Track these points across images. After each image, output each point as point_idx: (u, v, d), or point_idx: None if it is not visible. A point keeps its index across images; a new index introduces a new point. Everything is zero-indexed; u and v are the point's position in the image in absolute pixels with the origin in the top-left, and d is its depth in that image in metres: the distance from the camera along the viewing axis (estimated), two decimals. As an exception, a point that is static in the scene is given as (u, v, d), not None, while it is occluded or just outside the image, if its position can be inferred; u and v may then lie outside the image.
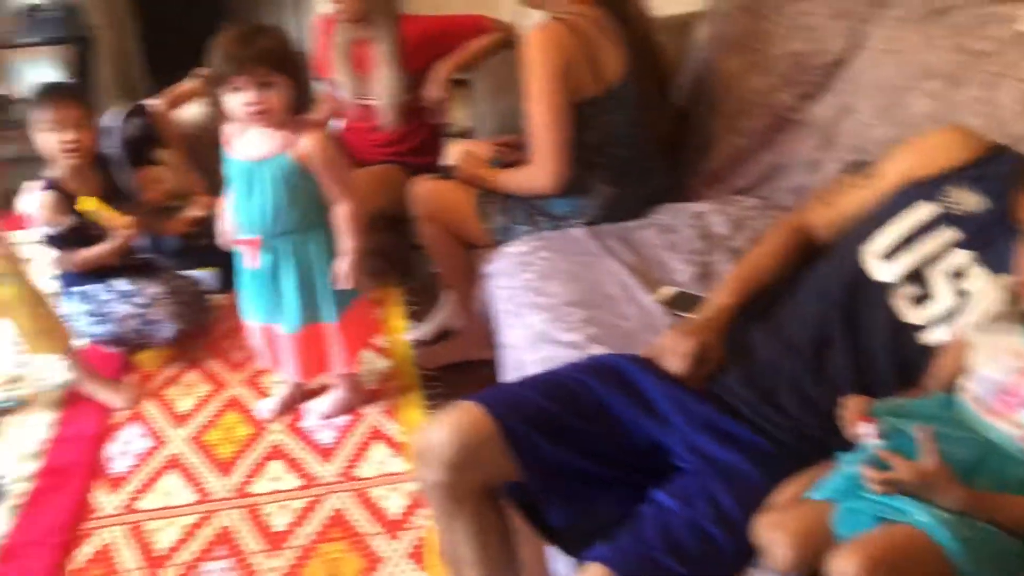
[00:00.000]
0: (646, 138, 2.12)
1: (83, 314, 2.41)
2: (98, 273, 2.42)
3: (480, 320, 2.29)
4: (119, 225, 2.34)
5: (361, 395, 2.31)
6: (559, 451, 1.32)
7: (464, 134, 2.81)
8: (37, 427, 2.27)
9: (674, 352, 1.37)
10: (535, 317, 1.75)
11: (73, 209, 2.33)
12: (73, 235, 2.36)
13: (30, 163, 2.54)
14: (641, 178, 2.12)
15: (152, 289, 2.43)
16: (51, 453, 2.17)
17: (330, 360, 2.15)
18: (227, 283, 2.69)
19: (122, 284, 2.43)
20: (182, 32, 3.14)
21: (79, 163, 2.31)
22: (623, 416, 1.35)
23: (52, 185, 2.32)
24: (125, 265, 2.45)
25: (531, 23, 2.06)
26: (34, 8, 3.78)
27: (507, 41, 2.69)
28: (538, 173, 2.03)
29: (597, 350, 1.58)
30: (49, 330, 2.27)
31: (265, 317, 2.12)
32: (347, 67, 2.63)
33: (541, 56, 1.95)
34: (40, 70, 4.02)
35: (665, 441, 1.33)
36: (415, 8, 2.71)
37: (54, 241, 2.35)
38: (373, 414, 2.28)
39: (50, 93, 2.34)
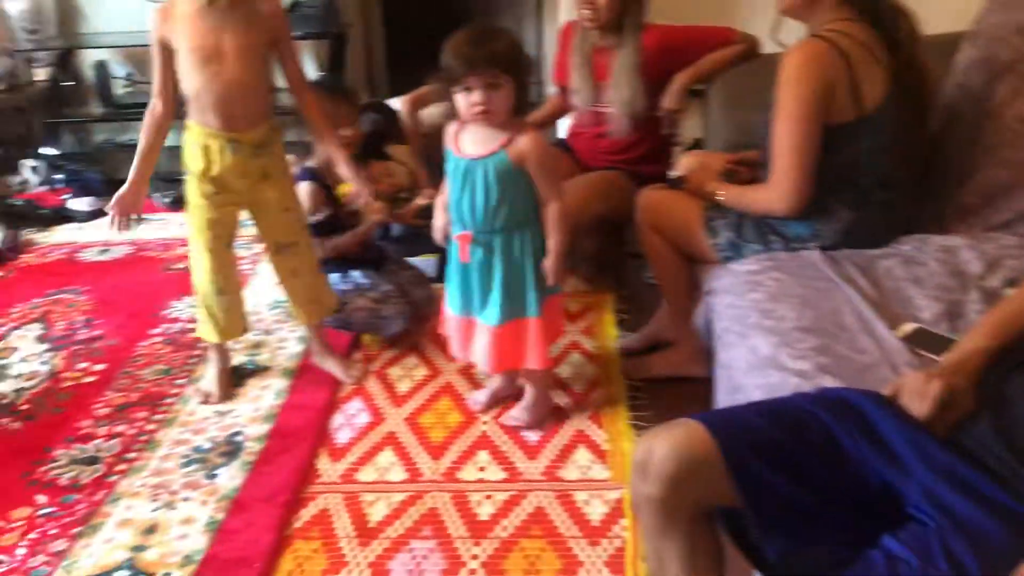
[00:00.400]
0: (896, 165, 2.00)
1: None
2: (338, 263, 2.59)
3: (695, 336, 2.25)
4: (372, 211, 2.51)
5: (550, 396, 2.33)
6: (783, 482, 1.27)
7: (695, 145, 2.78)
8: (272, 392, 2.46)
9: (919, 394, 1.29)
10: (761, 340, 1.70)
11: (329, 199, 2.51)
12: (327, 223, 2.54)
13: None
14: (886, 205, 2.00)
15: (385, 286, 2.59)
16: (282, 417, 2.34)
17: (525, 355, 2.19)
18: (444, 272, 2.81)
19: (358, 276, 2.59)
20: (422, 32, 3.31)
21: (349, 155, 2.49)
22: (855, 454, 1.28)
23: (311, 175, 2.50)
24: (362, 257, 2.62)
25: (789, 37, 2.00)
26: (296, 4, 4.08)
27: (749, 53, 2.63)
28: (777, 194, 1.97)
29: (828, 382, 1.51)
30: (318, 300, 2.46)
31: (466, 310, 2.19)
32: (586, 73, 2.66)
33: (800, 75, 1.88)
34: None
35: (900, 487, 1.25)
36: (658, 17, 2.70)
37: (312, 229, 2.54)
38: (580, 418, 2.30)
39: (325, 89, 2.52)
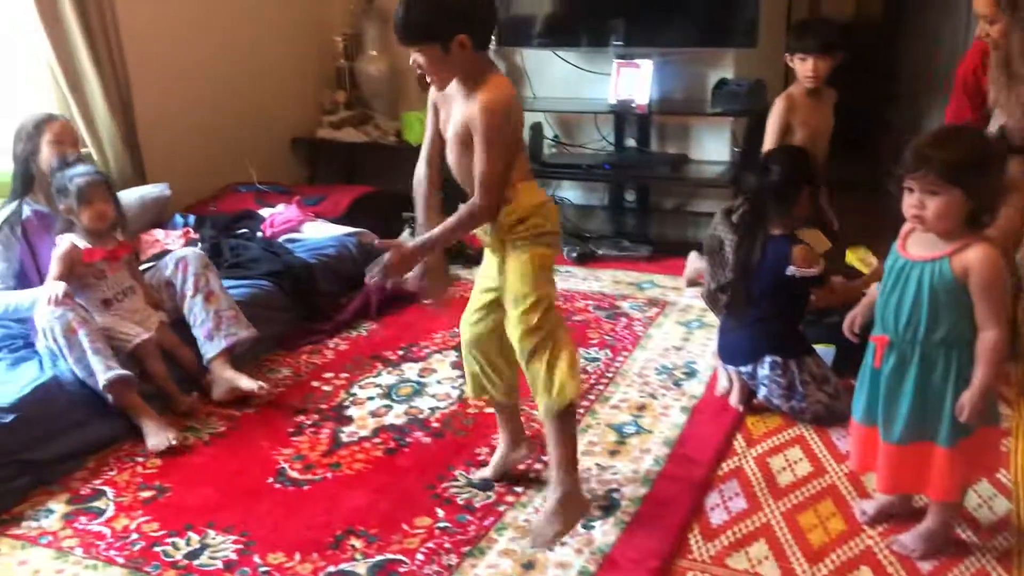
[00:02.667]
0: None
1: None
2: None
3: None
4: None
5: (952, 527, 2.10)
6: None
7: None
8: (652, 457, 2.51)
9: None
10: None
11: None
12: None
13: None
14: None
15: (832, 378, 2.66)
16: (659, 484, 2.38)
17: (926, 483, 2.00)
18: (840, 366, 2.69)
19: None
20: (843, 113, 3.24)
21: None
22: None
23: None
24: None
25: None
26: (724, 82, 4.18)
27: None
28: None
29: None
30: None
31: (870, 419, 2.06)
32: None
33: None
34: (716, 137, 4.45)
35: None
36: None
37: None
38: (984, 558, 2.05)
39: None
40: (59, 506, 2.40)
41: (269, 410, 2.88)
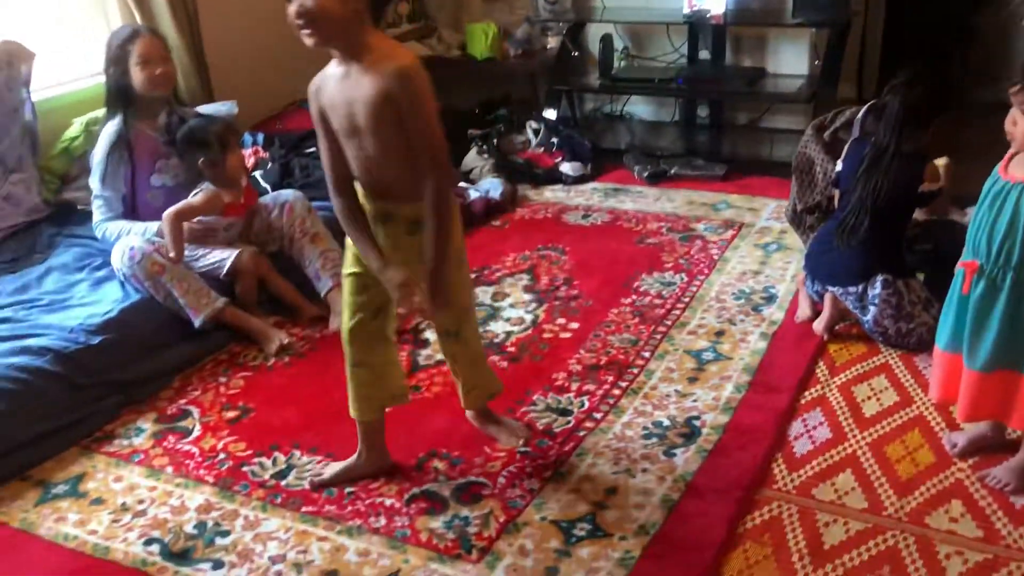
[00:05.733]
0: None
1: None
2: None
3: None
4: None
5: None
6: None
7: None
8: (732, 384, 2.47)
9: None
10: None
11: None
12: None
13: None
14: None
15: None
16: (740, 412, 2.35)
17: (1010, 413, 1.95)
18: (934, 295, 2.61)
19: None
20: (921, 29, 3.05)
21: None
22: None
23: None
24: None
25: None
26: (806, -9, 3.98)
27: None
28: None
29: None
30: (479, 386, 2.33)
31: (955, 346, 2.00)
32: None
33: None
34: (794, 49, 4.27)
35: None
36: None
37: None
38: (1082, 491, 2.00)
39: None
40: (148, 425, 2.47)
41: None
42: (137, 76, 2.82)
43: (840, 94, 4.12)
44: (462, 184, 3.85)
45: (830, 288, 2.66)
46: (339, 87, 1.81)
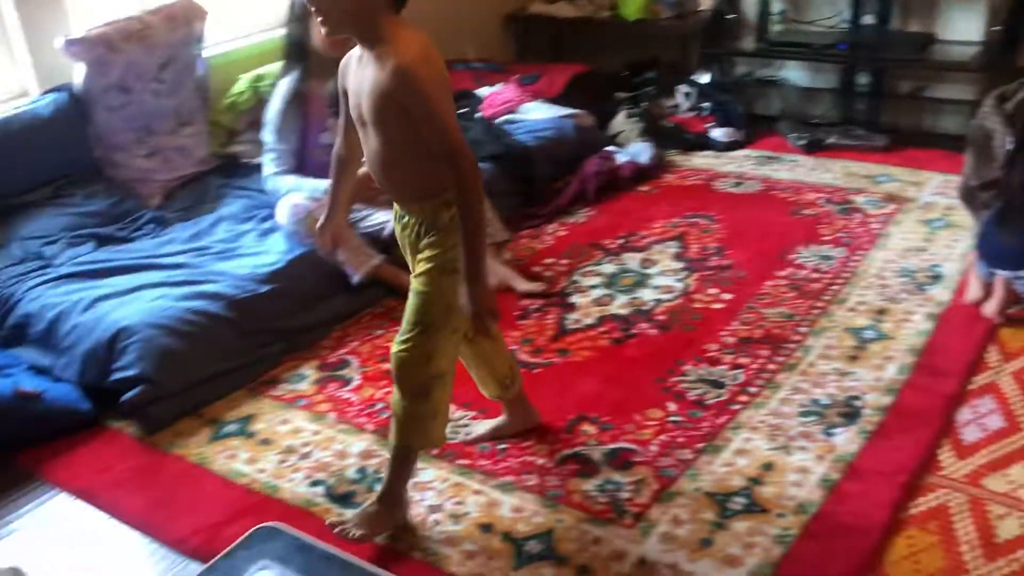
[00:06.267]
0: None
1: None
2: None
3: None
4: None
5: None
6: None
7: None
8: (896, 365, 2.38)
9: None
10: None
11: None
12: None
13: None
14: None
15: None
16: (905, 394, 2.26)
17: None
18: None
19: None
20: None
21: None
22: None
23: None
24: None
25: None
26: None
27: None
28: None
29: None
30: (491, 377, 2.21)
31: None
32: None
33: None
34: (968, 14, 4.02)
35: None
36: None
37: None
38: None
39: None
40: (310, 372, 2.58)
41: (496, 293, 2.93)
42: (317, 35, 2.89)
43: (1020, 62, 3.85)
44: (609, 148, 3.81)
45: (1000, 272, 2.51)
46: (355, 72, 1.73)
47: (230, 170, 3.44)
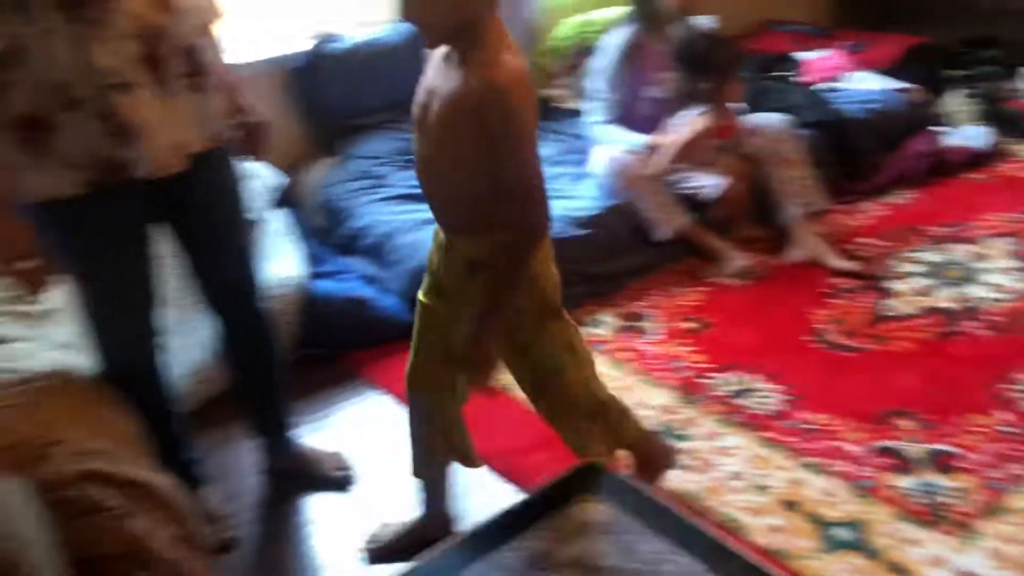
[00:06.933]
0: None
1: None
2: None
3: None
4: None
5: None
6: None
7: None
8: None
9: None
10: None
11: None
12: None
13: None
14: None
15: None
16: None
17: None
18: None
19: None
20: None
21: None
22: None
23: None
24: None
25: None
26: None
27: None
28: None
29: None
30: None
31: None
32: None
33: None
34: None
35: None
36: None
37: None
38: None
39: None
40: (609, 319, 2.61)
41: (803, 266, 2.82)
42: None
43: None
44: (938, 128, 3.50)
45: None
46: (434, 67, 1.47)
47: (543, 112, 3.51)
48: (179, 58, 1.57)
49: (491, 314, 1.49)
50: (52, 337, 1.93)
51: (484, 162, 1.41)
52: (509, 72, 1.36)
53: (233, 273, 1.87)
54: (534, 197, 1.43)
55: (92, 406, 1.68)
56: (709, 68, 2.77)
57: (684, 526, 1.51)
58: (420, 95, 1.48)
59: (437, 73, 1.44)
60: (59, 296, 2.09)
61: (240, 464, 2.16)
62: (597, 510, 1.55)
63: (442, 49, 1.43)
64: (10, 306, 1.98)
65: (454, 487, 1.88)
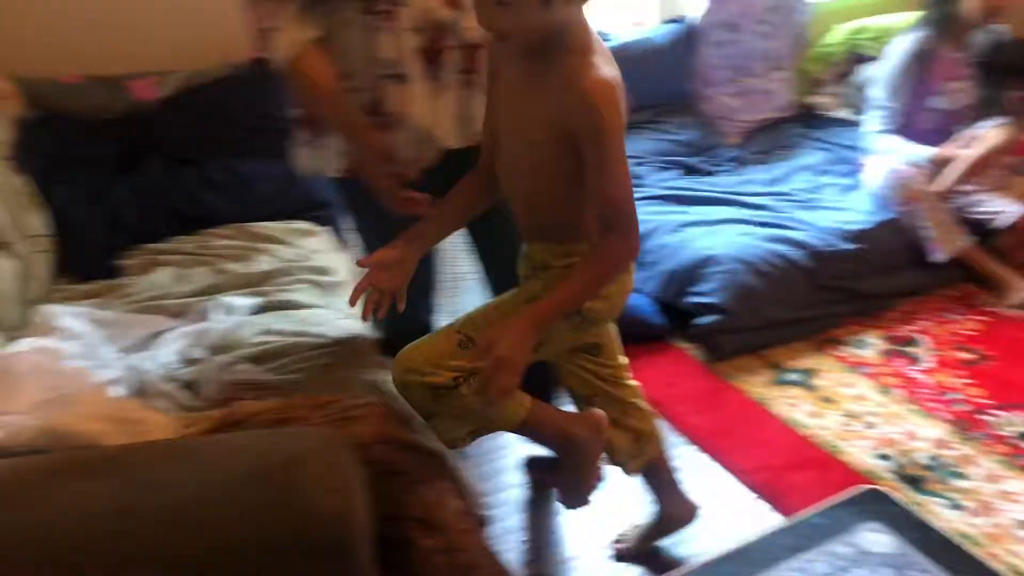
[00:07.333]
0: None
1: None
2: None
3: None
4: None
5: None
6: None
7: None
8: None
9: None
10: None
11: None
12: None
13: None
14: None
15: None
16: None
17: None
18: None
19: None
20: None
21: None
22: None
23: None
24: None
25: None
26: None
27: None
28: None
29: None
30: None
31: None
32: None
33: None
34: None
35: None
36: None
37: None
38: None
39: None
40: (874, 340, 2.48)
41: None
42: (972, 3, 2.64)
43: None
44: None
45: None
46: (519, 67, 1.38)
47: (808, 120, 3.40)
48: (458, 52, 1.60)
49: (558, 308, 1.38)
50: (342, 306, 2.07)
51: (567, 170, 1.36)
52: (601, 79, 1.31)
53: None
54: (625, 204, 1.35)
55: (376, 373, 1.79)
56: (1017, 76, 2.56)
57: (977, 567, 1.41)
58: (516, 103, 1.42)
59: (531, 75, 1.36)
60: (347, 269, 2.26)
61: (494, 444, 2.22)
62: (880, 540, 1.49)
63: (529, 54, 1.35)
64: (309, 275, 2.15)
65: (677, 481, 1.82)
